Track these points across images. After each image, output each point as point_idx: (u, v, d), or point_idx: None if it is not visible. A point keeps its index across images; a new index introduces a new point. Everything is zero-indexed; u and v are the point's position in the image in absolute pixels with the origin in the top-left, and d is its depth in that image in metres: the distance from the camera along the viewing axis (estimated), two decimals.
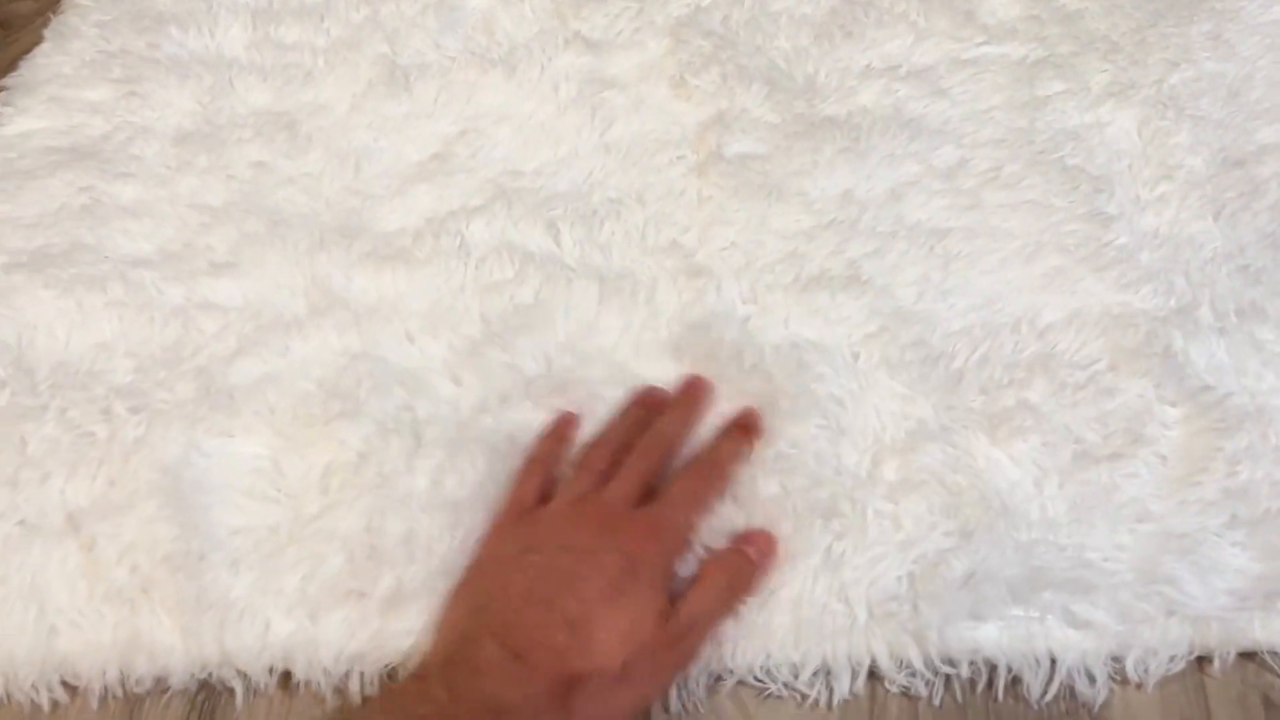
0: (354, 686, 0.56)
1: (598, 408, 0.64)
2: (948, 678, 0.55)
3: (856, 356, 0.66)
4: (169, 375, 0.67)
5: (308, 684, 0.57)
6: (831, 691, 0.55)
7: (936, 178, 0.75)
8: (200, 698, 0.57)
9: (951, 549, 0.57)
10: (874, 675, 0.56)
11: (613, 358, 0.67)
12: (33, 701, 0.57)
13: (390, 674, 0.57)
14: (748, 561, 0.56)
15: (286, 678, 0.57)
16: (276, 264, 0.73)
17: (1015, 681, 0.55)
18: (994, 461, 0.61)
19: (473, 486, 0.61)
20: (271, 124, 0.82)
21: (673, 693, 0.55)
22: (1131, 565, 0.57)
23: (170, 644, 0.57)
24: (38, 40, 0.91)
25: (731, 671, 0.56)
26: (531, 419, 0.64)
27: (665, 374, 0.66)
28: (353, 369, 0.67)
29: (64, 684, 0.57)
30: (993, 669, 0.55)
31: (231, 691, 0.57)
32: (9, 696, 0.57)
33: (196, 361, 0.68)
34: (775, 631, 0.56)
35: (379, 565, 0.58)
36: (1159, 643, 0.55)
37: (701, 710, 0.56)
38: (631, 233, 0.74)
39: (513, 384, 0.66)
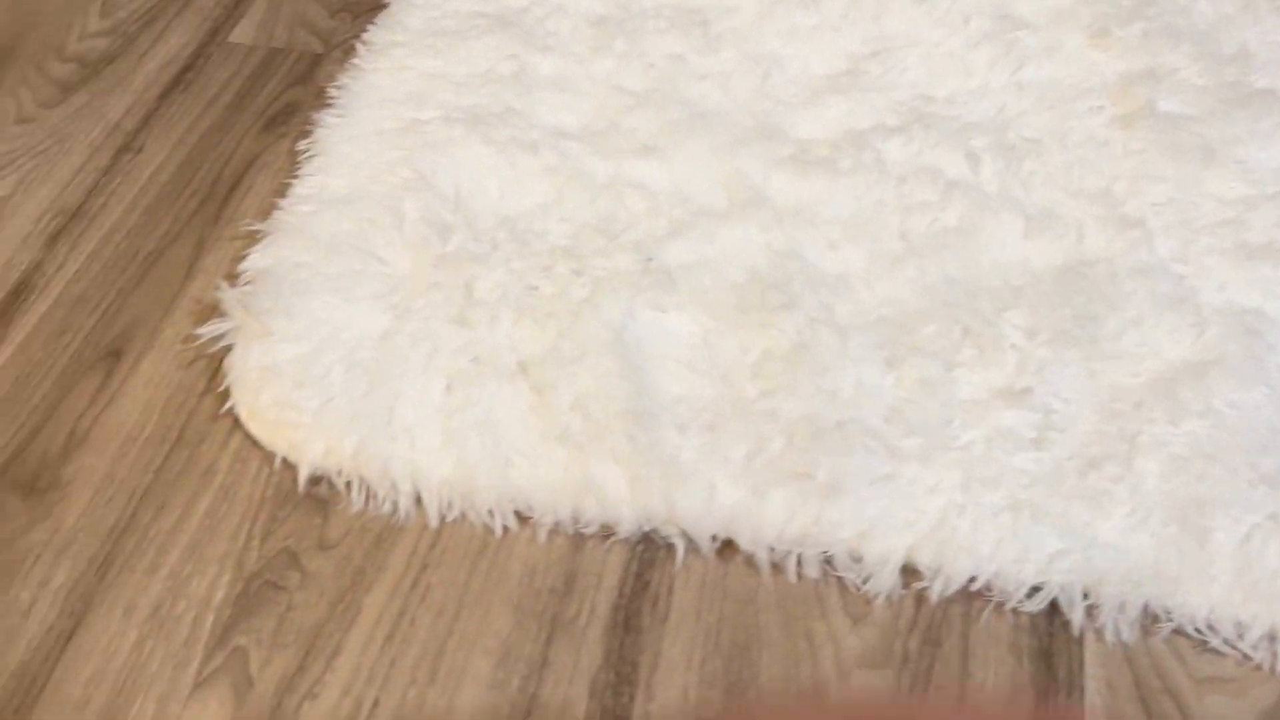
0: (791, 567, 0.58)
1: (1000, 332, 0.64)
2: None
3: None
4: (607, 245, 0.69)
5: (744, 557, 0.58)
6: (1276, 657, 0.54)
7: None
8: (640, 548, 0.59)
9: None
10: None
11: (1034, 292, 0.67)
12: (486, 525, 0.60)
13: (828, 561, 0.58)
14: None
15: (723, 547, 0.59)
16: (697, 154, 0.74)
17: None
18: None
19: (910, 388, 0.62)
20: (685, 19, 0.84)
21: (1107, 627, 0.56)
22: None
23: (620, 494, 0.59)
24: None
25: (1170, 616, 0.56)
26: (946, 337, 0.64)
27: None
28: (782, 265, 0.68)
29: (516, 514, 0.60)
30: None
31: (670, 549, 0.59)
32: (464, 516, 0.60)
33: (632, 236, 0.70)
34: (1220, 586, 0.55)
35: (820, 453, 0.60)
36: None
37: (1133, 648, 0.55)
38: (1054, 173, 0.73)
39: (931, 301, 0.66)
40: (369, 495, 0.61)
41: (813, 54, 0.82)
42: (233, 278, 0.70)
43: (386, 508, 0.61)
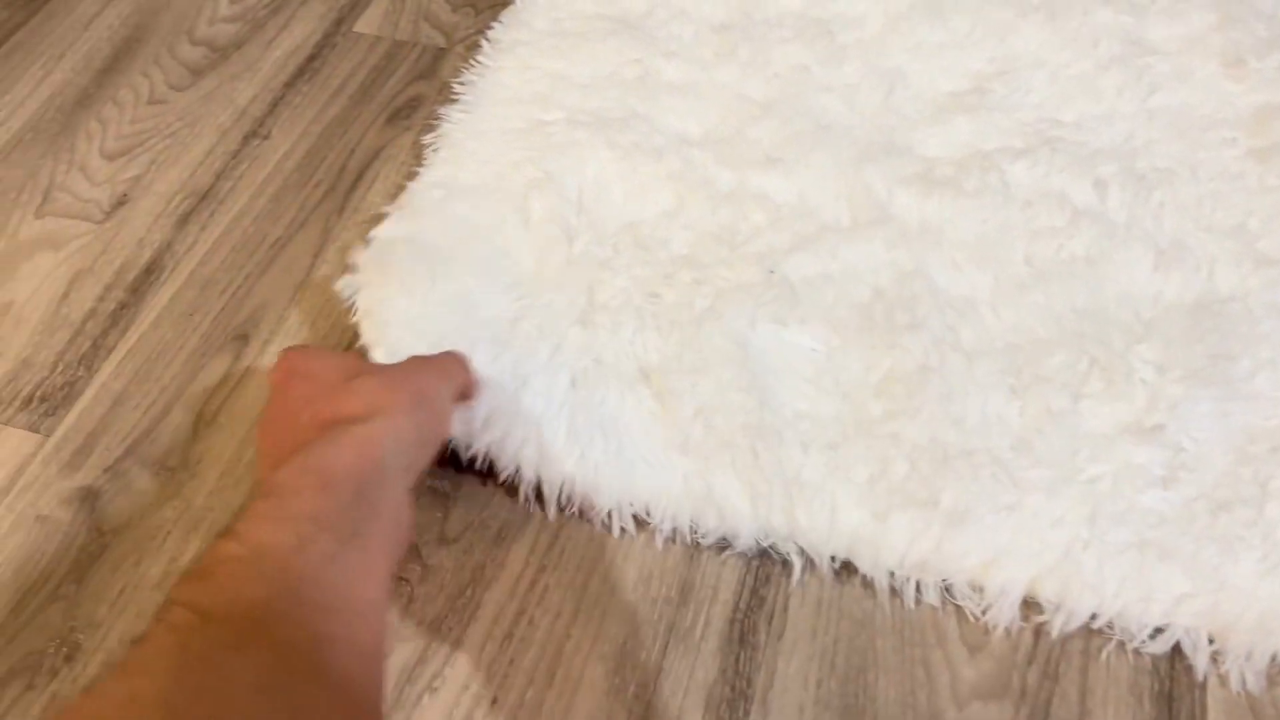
0: (909, 593, 0.57)
1: (1130, 366, 0.63)
2: None
3: None
4: (729, 255, 0.69)
5: (861, 578, 0.58)
6: None
7: None
8: (756, 564, 0.59)
9: None
10: None
11: (1165, 327, 0.66)
12: (603, 529, 0.60)
13: (947, 589, 0.58)
14: None
15: (841, 568, 0.59)
16: (821, 167, 0.74)
17: None
18: None
19: (1036, 417, 0.61)
20: (810, 29, 0.83)
21: (1232, 674, 0.54)
22: None
23: (740, 507, 0.59)
24: None
25: None
26: (1073, 368, 0.63)
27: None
28: (908, 285, 0.68)
29: (634, 518, 0.60)
30: None
31: (787, 566, 0.59)
32: (581, 515, 0.61)
33: (754, 247, 0.70)
34: None
35: (945, 479, 0.59)
36: None
37: (1258, 698, 0.54)
38: (1185, 205, 0.72)
39: (1059, 330, 0.66)
40: (493, 475, 0.61)
41: (938, 71, 0.81)
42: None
43: (503, 498, 0.61)
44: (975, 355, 0.64)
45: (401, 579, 0.59)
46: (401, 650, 0.56)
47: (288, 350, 0.56)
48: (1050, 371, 0.63)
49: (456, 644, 0.56)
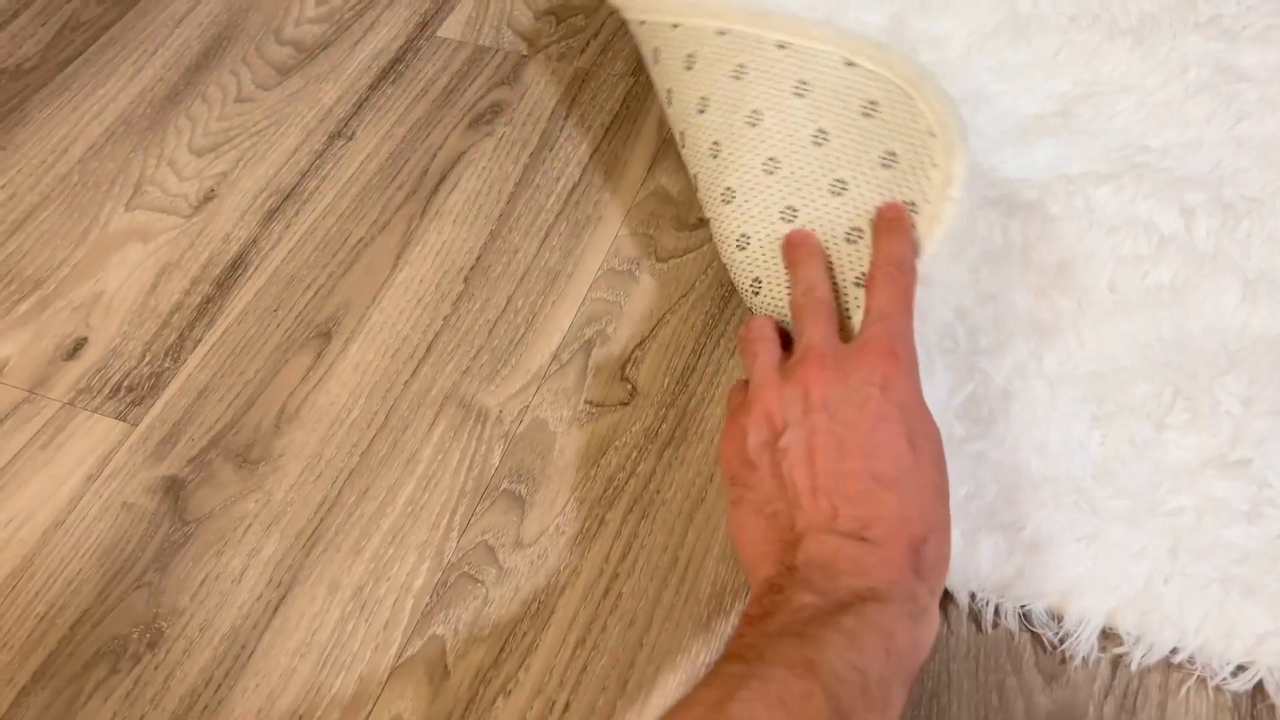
0: (987, 617, 0.57)
1: (1214, 398, 0.62)
2: None
3: None
4: None
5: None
6: None
7: None
8: None
9: None
10: None
11: (1252, 360, 0.65)
12: (677, 540, 0.60)
13: (1024, 615, 0.57)
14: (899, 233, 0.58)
15: None
16: None
17: None
18: None
19: (1117, 446, 0.60)
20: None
21: None
22: None
23: None
24: None
25: None
26: (1157, 398, 0.62)
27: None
28: (990, 307, 0.67)
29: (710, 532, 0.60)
30: None
31: None
32: (653, 531, 0.61)
33: None
34: None
35: (1029, 505, 0.59)
36: None
37: None
38: (1274, 236, 0.71)
39: (1143, 359, 0.65)
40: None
41: (1022, 92, 0.81)
42: (441, 272, 0.73)
43: (575, 505, 0.62)
44: (1059, 381, 0.64)
45: (476, 580, 0.59)
46: (477, 652, 0.57)
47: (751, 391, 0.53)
48: (1133, 401, 0.63)
49: (530, 648, 0.57)
